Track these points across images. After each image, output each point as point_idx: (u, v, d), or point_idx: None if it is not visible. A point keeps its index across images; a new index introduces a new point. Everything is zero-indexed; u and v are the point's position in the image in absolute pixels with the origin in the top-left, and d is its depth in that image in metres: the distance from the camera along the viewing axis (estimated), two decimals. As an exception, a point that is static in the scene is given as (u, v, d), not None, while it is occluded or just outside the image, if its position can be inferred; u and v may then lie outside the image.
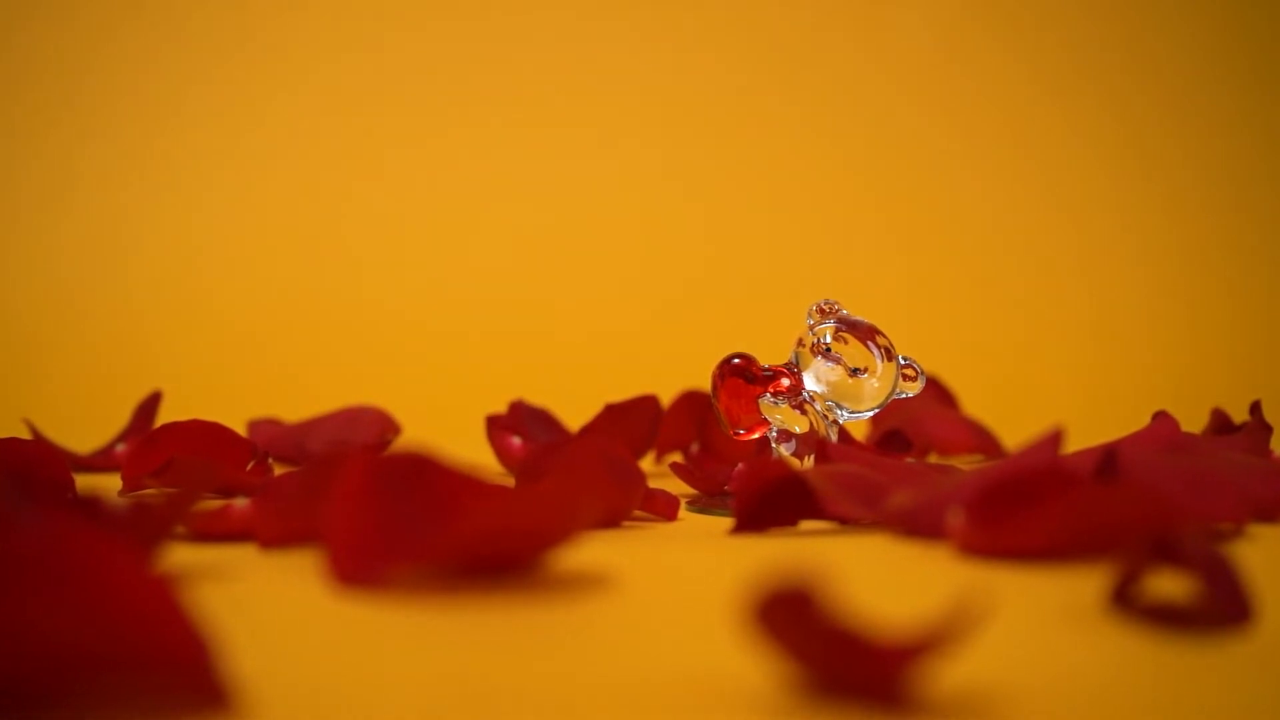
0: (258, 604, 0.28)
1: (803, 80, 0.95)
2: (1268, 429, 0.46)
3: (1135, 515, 0.29)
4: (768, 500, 0.37)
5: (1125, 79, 0.97)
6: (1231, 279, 0.93)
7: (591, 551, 0.33)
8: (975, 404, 0.63)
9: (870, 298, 0.84)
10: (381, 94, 0.93)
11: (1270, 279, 0.93)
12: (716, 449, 0.53)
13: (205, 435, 0.44)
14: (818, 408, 0.42)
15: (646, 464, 0.55)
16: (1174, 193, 0.95)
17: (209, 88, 0.92)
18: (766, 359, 0.43)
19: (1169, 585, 0.27)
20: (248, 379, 0.82)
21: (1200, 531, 0.30)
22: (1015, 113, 0.96)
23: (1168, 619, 0.26)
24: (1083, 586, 0.28)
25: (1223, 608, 0.25)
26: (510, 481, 0.46)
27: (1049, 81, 0.97)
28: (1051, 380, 0.56)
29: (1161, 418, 0.43)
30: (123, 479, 0.43)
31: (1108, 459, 0.35)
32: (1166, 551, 0.26)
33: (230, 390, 0.79)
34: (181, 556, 0.32)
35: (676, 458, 0.55)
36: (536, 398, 0.56)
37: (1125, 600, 0.26)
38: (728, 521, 0.40)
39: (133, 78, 0.91)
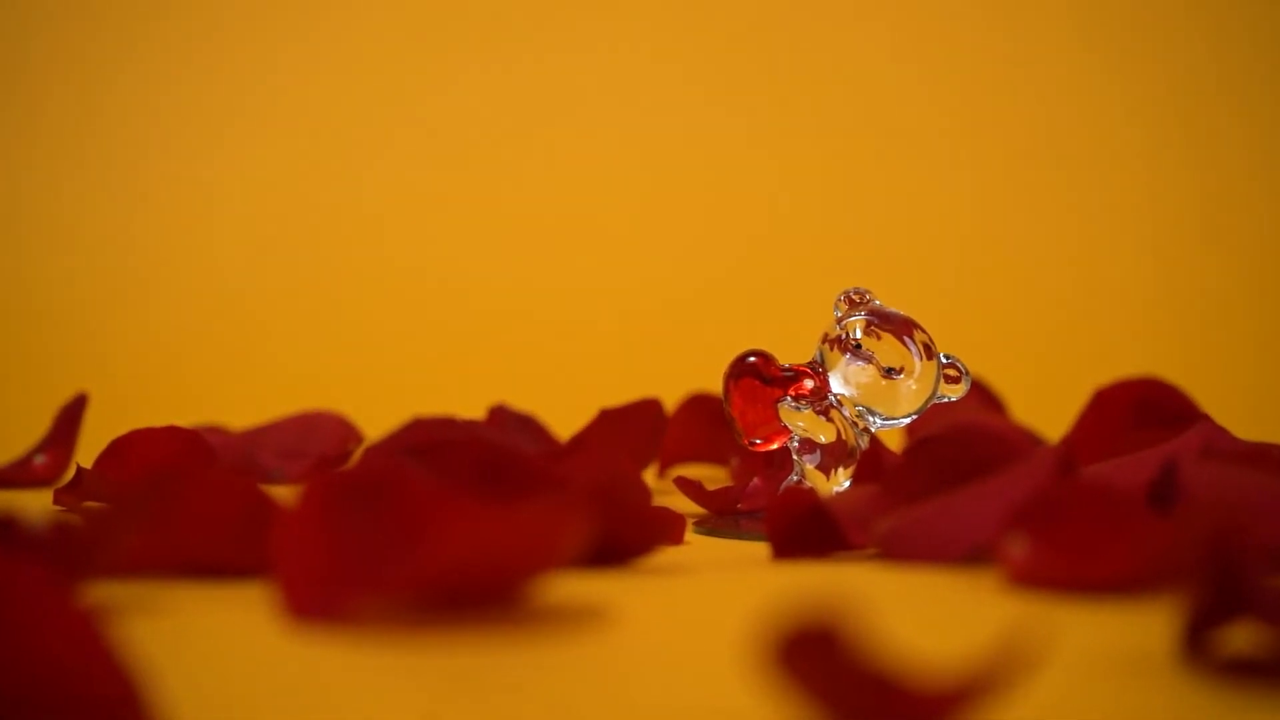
0: (198, 641, 0.28)
1: (828, 53, 0.95)
2: None
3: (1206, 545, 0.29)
4: (811, 523, 0.36)
5: (1188, 53, 0.97)
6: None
7: (583, 580, 0.33)
8: (1025, 409, 0.63)
9: (907, 286, 0.84)
10: (355, 88, 0.93)
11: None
12: None
13: (174, 443, 0.44)
14: (846, 414, 0.42)
15: (648, 478, 0.55)
16: (1251, 189, 0.95)
17: (170, 85, 0.92)
18: (786, 357, 0.43)
19: (1245, 633, 0.27)
20: (186, 379, 0.82)
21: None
22: (1069, 96, 0.96)
23: (1245, 671, 0.25)
24: (1150, 625, 0.28)
25: None
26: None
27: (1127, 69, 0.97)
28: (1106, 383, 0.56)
29: (1206, 423, 0.42)
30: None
31: (1166, 476, 0.35)
32: (1238, 593, 0.25)
33: (167, 393, 0.79)
34: (111, 586, 0.32)
35: (682, 471, 0.55)
36: (521, 402, 0.56)
37: (1198, 648, 0.26)
38: (740, 545, 0.39)
39: (86, 66, 0.91)
